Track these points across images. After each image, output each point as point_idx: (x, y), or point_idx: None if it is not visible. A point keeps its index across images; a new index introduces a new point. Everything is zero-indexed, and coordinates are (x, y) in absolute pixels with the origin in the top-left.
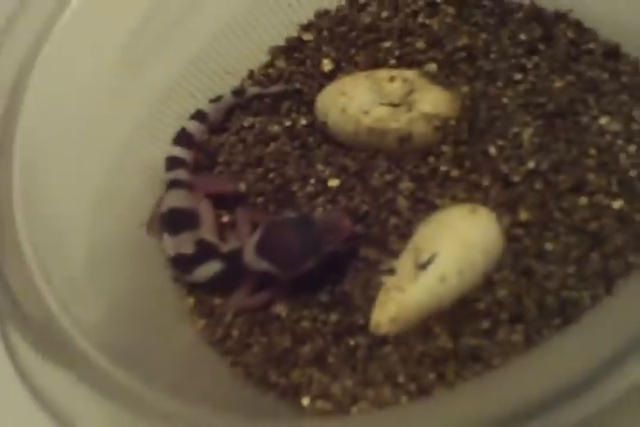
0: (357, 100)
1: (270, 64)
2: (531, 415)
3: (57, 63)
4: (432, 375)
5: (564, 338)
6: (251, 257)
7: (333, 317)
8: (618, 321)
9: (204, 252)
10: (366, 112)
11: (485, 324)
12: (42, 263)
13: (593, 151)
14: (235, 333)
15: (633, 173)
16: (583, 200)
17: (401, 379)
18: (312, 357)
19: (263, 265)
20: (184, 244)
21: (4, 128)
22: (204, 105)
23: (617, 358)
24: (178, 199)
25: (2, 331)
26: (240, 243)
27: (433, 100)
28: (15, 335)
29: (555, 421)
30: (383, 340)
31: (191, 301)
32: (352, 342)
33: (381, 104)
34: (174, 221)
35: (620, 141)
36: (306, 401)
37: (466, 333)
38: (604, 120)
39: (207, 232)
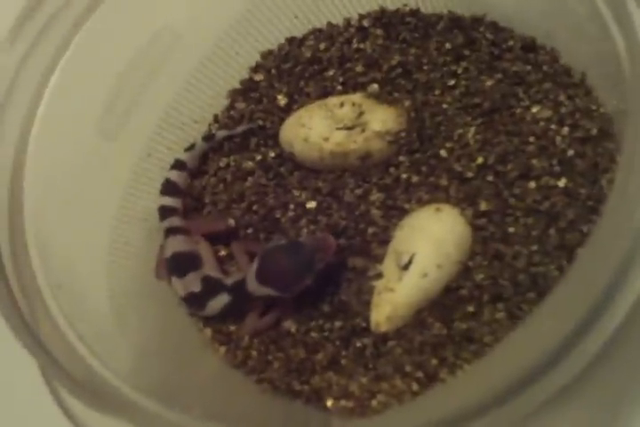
0: (316, 129)
1: (231, 107)
2: (526, 382)
3: (48, 138)
4: (435, 361)
5: (542, 309)
6: (253, 286)
7: (337, 324)
8: (583, 286)
9: (211, 287)
10: (326, 139)
11: (471, 307)
12: (69, 320)
13: (532, 139)
14: (254, 353)
15: (570, 152)
16: (532, 184)
17: (408, 369)
18: (327, 362)
19: (266, 291)
20: (192, 283)
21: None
22: (181, 154)
23: (590, 317)
24: (178, 244)
25: (50, 388)
26: (241, 274)
27: (381, 119)
28: (63, 391)
29: (549, 384)
30: (385, 337)
31: (209, 331)
32: (359, 344)
33: (338, 129)
34: (179, 265)
35: (553, 126)
36: (330, 403)
37: (456, 318)
38: (535, 109)
39: (210, 269)
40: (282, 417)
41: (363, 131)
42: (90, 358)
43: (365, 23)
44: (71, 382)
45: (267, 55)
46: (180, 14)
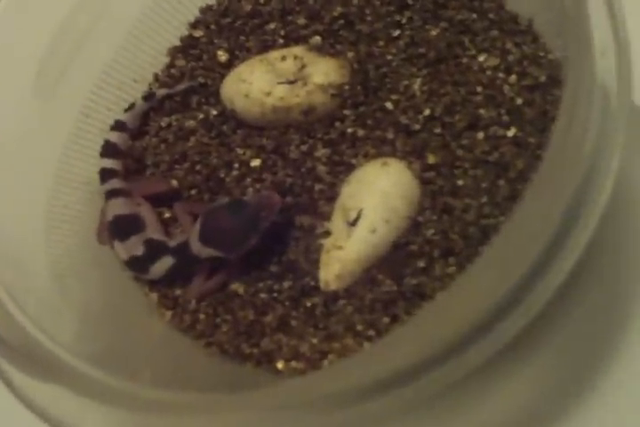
0: (257, 84)
1: (171, 64)
2: (474, 334)
3: None
4: (386, 319)
5: (486, 258)
6: (197, 247)
7: (286, 284)
8: (527, 233)
9: (154, 250)
10: (268, 93)
11: (421, 263)
12: (8, 288)
13: (479, 88)
14: (202, 316)
15: (519, 100)
16: (480, 135)
17: (359, 327)
18: (276, 324)
19: (210, 252)
20: (134, 246)
21: None
22: (121, 115)
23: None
24: (119, 207)
25: None
26: (185, 236)
27: (324, 71)
28: (2, 361)
29: (498, 335)
30: (335, 296)
31: (155, 296)
32: (309, 304)
33: (279, 83)
34: (121, 228)
35: (500, 74)
36: (280, 365)
37: (406, 274)
38: (482, 57)
39: (153, 232)
40: (231, 381)
41: (305, 84)
42: (30, 326)
43: None
44: (10, 350)
45: (206, 10)
46: None
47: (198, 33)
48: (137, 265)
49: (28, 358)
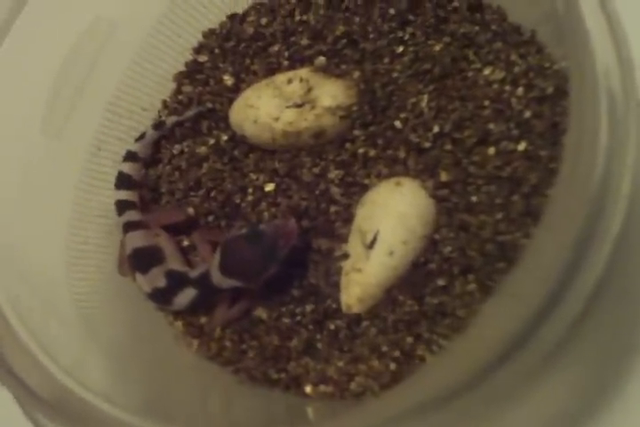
0: (265, 110)
1: (178, 90)
2: (507, 353)
3: None
4: (410, 339)
5: (513, 278)
6: (218, 278)
7: (308, 307)
8: (551, 252)
9: (176, 282)
10: (276, 119)
11: (441, 281)
12: (35, 334)
13: (486, 102)
14: (228, 344)
15: (527, 113)
16: (491, 150)
17: (384, 348)
18: (302, 348)
19: (231, 282)
20: (156, 279)
21: None
22: (132, 145)
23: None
24: (138, 239)
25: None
26: (205, 265)
27: (331, 93)
28: (40, 416)
29: (531, 352)
30: (358, 318)
31: (180, 325)
32: (332, 326)
33: (287, 107)
34: (141, 260)
35: (507, 87)
36: (308, 389)
37: (427, 293)
38: (487, 71)
39: (173, 262)
40: (262, 407)
41: (313, 107)
42: (60, 373)
43: None
44: (41, 401)
45: (209, 35)
46: (111, 1)
47: (203, 58)
48: (160, 297)
49: (60, 408)
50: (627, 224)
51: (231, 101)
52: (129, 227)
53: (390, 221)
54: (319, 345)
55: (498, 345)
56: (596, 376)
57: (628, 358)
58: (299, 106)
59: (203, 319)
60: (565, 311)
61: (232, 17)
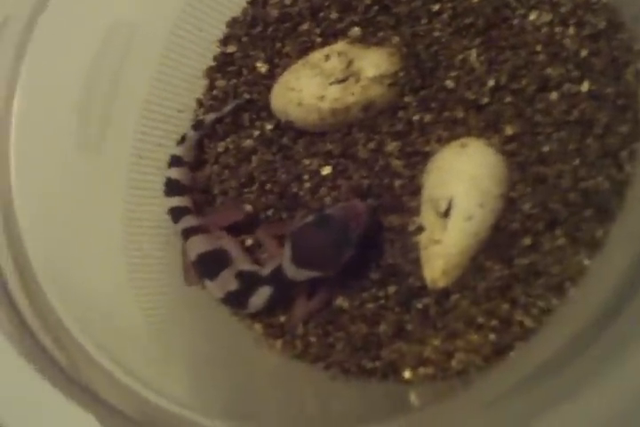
0: (307, 90)
1: (212, 86)
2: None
3: (29, 162)
4: (506, 305)
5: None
6: (292, 271)
7: (391, 289)
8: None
9: (249, 282)
10: (321, 97)
11: (527, 240)
12: (112, 355)
13: (539, 48)
14: (313, 339)
15: (584, 52)
16: (554, 95)
17: (480, 319)
18: (392, 332)
19: (307, 274)
20: (227, 282)
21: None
22: (175, 149)
23: None
24: (200, 244)
25: None
26: (276, 261)
27: (374, 63)
28: None
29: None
30: (446, 292)
31: (259, 327)
32: (420, 305)
33: (331, 84)
34: (208, 266)
35: (557, 29)
36: (407, 374)
37: (515, 255)
38: (533, 15)
39: (242, 264)
40: (360, 399)
41: (357, 80)
42: (143, 389)
43: None
44: (126, 421)
45: (233, 24)
46: (128, 3)
47: (231, 48)
48: (235, 301)
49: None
50: None
51: (269, 89)
52: (188, 233)
53: (462, 185)
54: (410, 327)
55: (603, 303)
56: None
57: None
58: (342, 81)
59: (282, 318)
60: None
61: (253, 2)
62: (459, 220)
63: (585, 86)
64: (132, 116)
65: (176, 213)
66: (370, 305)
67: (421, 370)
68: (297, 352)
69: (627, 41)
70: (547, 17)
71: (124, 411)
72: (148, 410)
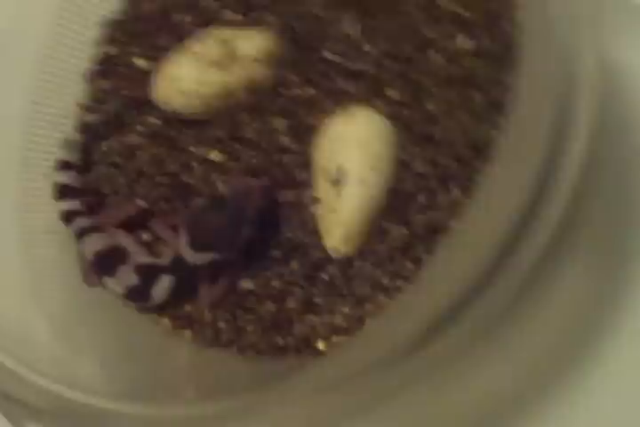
0: (188, 77)
1: (93, 88)
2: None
3: None
4: (409, 264)
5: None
6: (191, 256)
7: (295, 264)
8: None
9: (149, 274)
10: (202, 83)
11: (422, 198)
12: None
13: (412, 9)
14: (222, 325)
15: (458, 9)
16: (433, 54)
17: (385, 281)
18: (301, 307)
19: (207, 257)
20: (126, 277)
21: None
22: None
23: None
24: (95, 243)
25: None
26: (173, 249)
27: (251, 42)
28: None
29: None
30: (350, 259)
31: (166, 320)
32: (326, 276)
33: (210, 68)
34: (105, 263)
35: None
36: (322, 345)
37: (412, 214)
38: None
39: (139, 257)
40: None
41: (236, 61)
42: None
43: None
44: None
45: (108, 23)
46: None
47: (108, 48)
48: (137, 295)
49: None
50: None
51: (150, 84)
52: (82, 233)
53: (351, 151)
54: (318, 299)
55: (486, 249)
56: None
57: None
58: (221, 64)
59: (189, 308)
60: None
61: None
62: (352, 185)
63: (462, 42)
64: (13, 124)
65: (68, 216)
66: (275, 283)
67: (334, 339)
68: (209, 340)
69: None
70: None
71: (38, 407)
72: (59, 403)
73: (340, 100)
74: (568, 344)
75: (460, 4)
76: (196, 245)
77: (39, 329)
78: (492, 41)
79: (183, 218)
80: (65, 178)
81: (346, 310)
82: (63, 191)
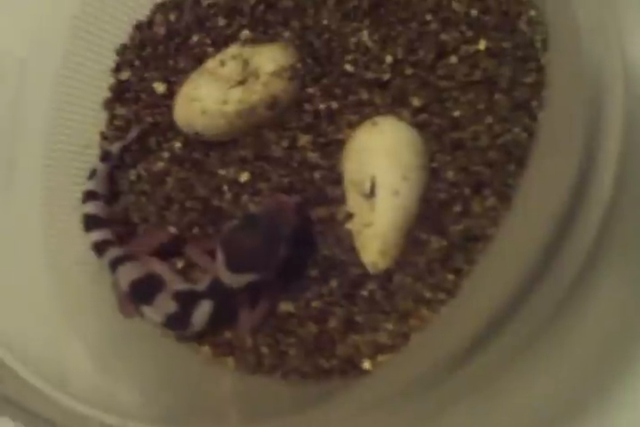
0: (209, 98)
1: (113, 117)
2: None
3: None
4: (450, 276)
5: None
6: (229, 278)
7: (334, 283)
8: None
9: (187, 300)
10: (224, 102)
11: (457, 207)
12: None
13: (429, 16)
14: (265, 350)
15: (474, 12)
16: (453, 59)
17: (427, 294)
18: (343, 327)
19: (245, 278)
20: (165, 305)
21: None
22: (87, 184)
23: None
24: (129, 273)
25: None
26: (211, 273)
27: (270, 58)
28: None
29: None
30: (388, 273)
31: (207, 348)
32: (365, 293)
33: (231, 87)
34: (142, 292)
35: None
36: (367, 364)
37: (448, 224)
38: None
39: (176, 284)
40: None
41: (257, 78)
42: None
43: None
44: None
45: (123, 50)
46: (14, 38)
47: (125, 75)
48: (176, 322)
49: None
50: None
51: (171, 108)
52: (116, 263)
53: (381, 162)
54: (359, 318)
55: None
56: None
57: None
58: (242, 82)
59: (229, 335)
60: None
61: (139, 26)
62: (386, 197)
63: (482, 45)
64: (37, 157)
65: (99, 247)
66: (315, 304)
67: (380, 358)
68: (252, 367)
69: None
70: None
71: None
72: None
73: (365, 111)
74: (608, 357)
75: (476, 7)
76: (234, 267)
77: (77, 362)
78: (511, 42)
79: (218, 240)
80: (93, 209)
81: (389, 326)
82: (92, 222)
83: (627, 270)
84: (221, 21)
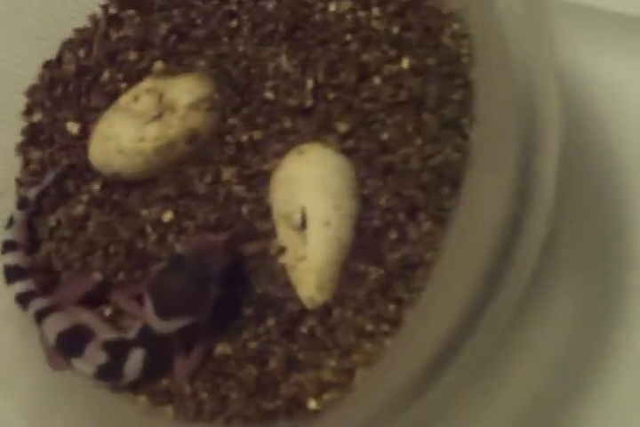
0: (125, 135)
1: (27, 161)
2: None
3: None
4: (392, 306)
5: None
6: (159, 325)
7: (271, 321)
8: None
9: (118, 349)
10: (141, 139)
11: (392, 234)
12: None
13: (348, 37)
14: (204, 396)
15: (395, 29)
16: (377, 80)
17: (369, 327)
18: (284, 366)
19: (175, 324)
20: (95, 356)
21: None
22: (4, 234)
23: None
24: (56, 324)
25: None
26: (140, 320)
27: (185, 90)
28: None
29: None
30: (327, 308)
31: (143, 398)
32: (304, 330)
33: (147, 123)
34: (70, 344)
35: (361, 13)
36: (313, 404)
37: (385, 252)
38: (333, 6)
39: (105, 333)
40: None
41: (173, 111)
42: None
43: (113, 10)
44: None
45: (33, 91)
46: None
47: (37, 117)
48: (108, 373)
49: None
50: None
51: (86, 149)
52: (41, 315)
53: (310, 191)
54: (301, 355)
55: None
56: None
57: None
58: (158, 117)
59: (165, 382)
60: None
61: (47, 64)
62: (317, 228)
63: (405, 63)
64: None
65: (23, 299)
66: (253, 344)
67: (325, 396)
68: (192, 414)
69: (434, 7)
70: (347, 4)
71: None
72: None
73: (290, 140)
74: (566, 370)
75: (397, 23)
76: (163, 312)
77: (11, 421)
78: (436, 58)
79: (144, 285)
80: (13, 259)
81: (332, 363)
82: (13, 273)
83: (573, 286)
84: (132, 55)
